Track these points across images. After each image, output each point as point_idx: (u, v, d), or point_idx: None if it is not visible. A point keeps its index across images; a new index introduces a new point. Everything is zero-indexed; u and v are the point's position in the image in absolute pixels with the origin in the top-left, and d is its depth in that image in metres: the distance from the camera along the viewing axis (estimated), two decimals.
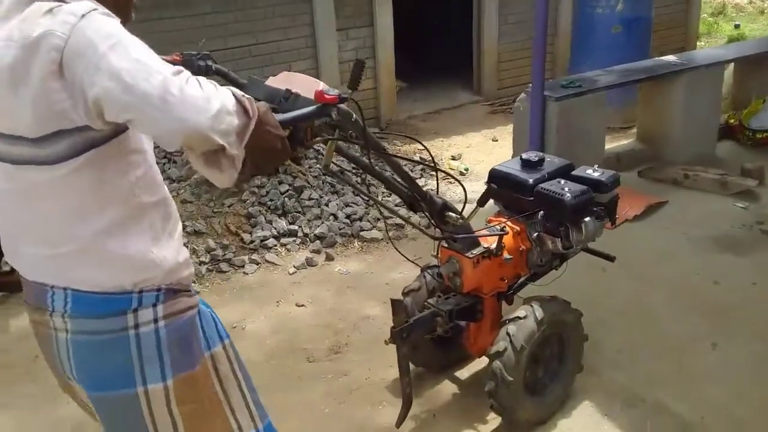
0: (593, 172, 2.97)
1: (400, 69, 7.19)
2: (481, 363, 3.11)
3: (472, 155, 6.31)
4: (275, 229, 4.64)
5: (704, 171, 5.34)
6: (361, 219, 4.83)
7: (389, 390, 3.22)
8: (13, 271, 1.81)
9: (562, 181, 2.89)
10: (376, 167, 2.69)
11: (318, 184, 5.02)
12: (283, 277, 4.31)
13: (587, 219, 2.88)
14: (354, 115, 2.07)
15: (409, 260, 2.91)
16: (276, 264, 4.42)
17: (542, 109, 4.93)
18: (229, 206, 4.74)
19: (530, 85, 4.98)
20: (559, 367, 3.03)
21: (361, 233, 4.71)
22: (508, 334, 2.75)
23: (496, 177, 3.06)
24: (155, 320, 1.61)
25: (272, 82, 2.22)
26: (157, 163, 5.11)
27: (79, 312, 1.58)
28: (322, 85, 2.04)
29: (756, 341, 3.49)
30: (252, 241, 4.55)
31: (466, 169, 5.89)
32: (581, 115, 5.10)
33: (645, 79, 5.63)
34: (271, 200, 4.80)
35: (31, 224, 1.56)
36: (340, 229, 4.71)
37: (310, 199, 4.88)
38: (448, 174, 3.04)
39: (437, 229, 2.78)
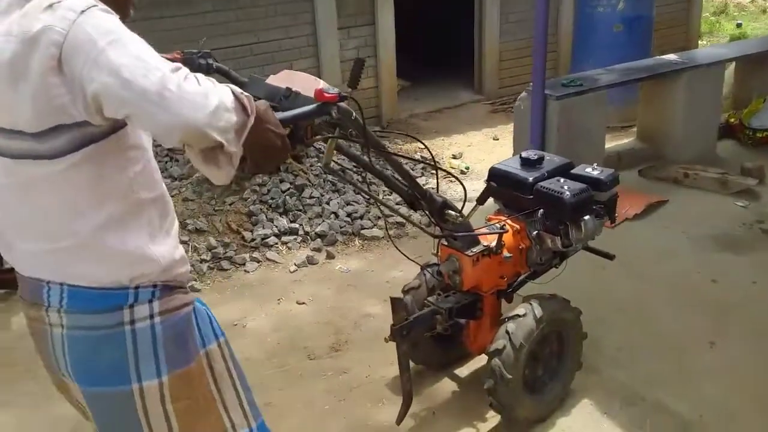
0: (592, 171, 2.98)
1: (401, 68, 7.20)
2: (480, 361, 3.12)
3: (473, 154, 6.32)
4: (276, 227, 4.65)
5: (704, 170, 5.34)
6: (362, 217, 4.84)
7: (389, 387, 3.23)
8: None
9: (562, 180, 2.90)
10: (377, 166, 2.70)
11: (319, 183, 5.03)
12: (284, 275, 4.33)
13: (587, 217, 2.89)
14: (354, 114, 2.08)
15: (409, 258, 2.92)
16: (277, 262, 4.44)
17: (543, 107, 4.94)
18: (230, 204, 4.76)
19: (531, 83, 4.99)
20: (559, 365, 3.04)
21: (362, 231, 4.72)
22: (507, 332, 2.76)
23: (495, 175, 3.06)
24: (151, 316, 1.62)
25: (273, 80, 2.23)
26: (159, 161, 5.13)
27: (75, 307, 1.58)
28: (322, 84, 2.06)
29: (755, 340, 3.49)
30: (253, 239, 4.56)
31: (467, 168, 5.90)
32: (582, 113, 5.11)
33: (646, 78, 5.63)
34: (272, 198, 4.81)
35: (29, 219, 1.57)
36: (341, 228, 4.72)
37: (311, 197, 4.90)
38: (448, 172, 3.05)
39: (437, 228, 2.80)
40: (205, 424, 1.74)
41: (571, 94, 5.03)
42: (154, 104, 1.37)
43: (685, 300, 3.86)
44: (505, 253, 2.88)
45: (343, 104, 2.01)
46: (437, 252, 2.94)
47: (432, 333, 2.99)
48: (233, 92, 1.50)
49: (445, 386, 3.24)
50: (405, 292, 3.09)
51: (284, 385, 3.30)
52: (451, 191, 5.11)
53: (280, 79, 2.22)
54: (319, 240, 4.62)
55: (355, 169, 4.58)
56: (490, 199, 3.11)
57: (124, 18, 1.50)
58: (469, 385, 3.22)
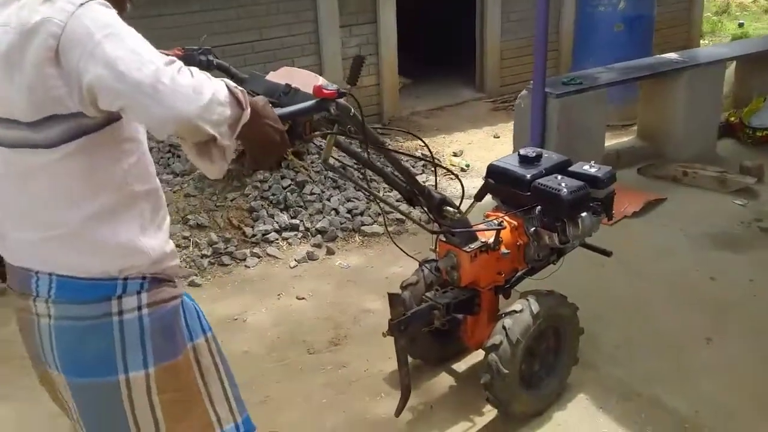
0: (590, 168, 3.01)
1: (403, 66, 7.22)
2: (478, 356, 3.15)
3: (474, 152, 6.35)
4: (277, 223, 4.68)
5: (703, 168, 5.37)
6: (362, 214, 4.87)
7: (387, 382, 3.26)
8: None
9: (559, 177, 2.92)
10: (377, 162, 2.73)
11: (320, 179, 5.06)
12: (284, 270, 4.36)
13: (584, 214, 2.91)
14: (352, 110, 2.11)
15: (408, 255, 2.95)
16: (277, 258, 4.47)
17: (543, 105, 4.96)
18: (231, 200, 4.79)
19: (532, 82, 5.01)
20: (555, 361, 3.07)
21: (362, 228, 4.75)
22: (504, 327, 2.78)
23: (494, 172, 3.09)
24: (139, 308, 1.62)
25: (272, 77, 2.26)
26: (162, 156, 5.15)
27: (63, 297, 1.59)
28: (321, 80, 2.09)
29: (753, 337, 3.52)
30: (254, 235, 4.59)
31: (468, 166, 5.93)
32: (582, 111, 5.13)
33: (646, 77, 5.66)
34: (273, 194, 4.84)
35: (22, 209, 1.58)
36: (341, 224, 4.75)
37: (311, 193, 4.92)
38: (446, 169, 3.08)
39: (436, 224, 2.83)
40: (191, 418, 1.74)
41: (571, 92, 5.06)
42: (147, 96, 1.39)
43: (683, 298, 3.89)
44: (503, 250, 2.91)
45: (341, 101, 2.04)
46: (435, 248, 2.97)
47: (430, 328, 3.01)
48: (228, 86, 1.51)
49: (443, 381, 3.27)
50: (403, 287, 3.11)
51: (284, 379, 3.34)
52: (451, 188, 5.13)
53: (279, 76, 2.25)
54: (319, 236, 4.65)
55: (356, 166, 4.61)
56: (489, 196, 3.14)
57: (121, 12, 1.52)
58: (467, 380, 3.25)
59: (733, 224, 4.73)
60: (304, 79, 2.20)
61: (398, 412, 2.87)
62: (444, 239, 2.89)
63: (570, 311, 3.03)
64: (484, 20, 7.66)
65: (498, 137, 6.74)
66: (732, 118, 6.25)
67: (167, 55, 1.51)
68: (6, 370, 3.39)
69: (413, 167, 5.48)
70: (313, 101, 1.98)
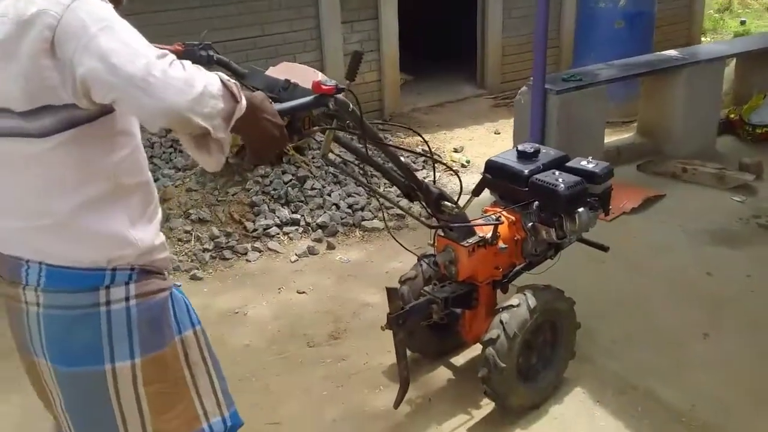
0: (587, 164, 3.03)
1: (404, 62, 7.24)
2: (476, 350, 3.16)
3: (474, 148, 6.37)
4: (278, 217, 4.71)
5: (702, 165, 5.38)
6: (362, 209, 4.89)
7: (386, 375, 3.29)
8: None
9: (557, 172, 2.95)
10: (379, 158, 2.76)
11: (321, 175, 5.09)
12: (285, 264, 4.39)
13: (581, 209, 2.94)
14: (351, 106, 2.13)
15: (407, 249, 2.98)
16: (278, 252, 4.50)
17: (543, 102, 4.98)
18: (233, 195, 4.82)
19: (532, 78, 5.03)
20: (552, 354, 3.09)
21: (363, 223, 4.78)
22: (501, 321, 2.81)
23: (492, 168, 3.12)
24: (127, 298, 1.64)
25: (272, 72, 2.28)
26: (164, 151, 5.15)
27: (52, 286, 1.61)
28: (320, 76, 2.11)
29: (748, 332, 3.54)
30: (255, 230, 4.62)
31: (468, 162, 5.95)
32: (581, 108, 5.15)
33: (645, 73, 5.67)
34: (274, 189, 4.87)
35: (13, 197, 1.59)
36: (341, 219, 4.78)
37: (312, 188, 4.95)
38: (444, 164, 3.11)
39: (435, 219, 2.85)
40: (177, 410, 1.76)
41: (571, 88, 5.08)
42: (139, 89, 1.40)
43: (681, 293, 3.91)
44: (501, 244, 2.93)
45: (340, 96, 2.07)
46: (434, 243, 3.00)
47: (428, 322, 3.03)
48: (221, 79, 1.52)
49: (441, 374, 3.30)
50: (402, 282, 3.15)
51: (284, 372, 3.37)
52: (451, 184, 5.15)
53: (279, 71, 2.27)
54: (320, 231, 4.68)
55: (356, 161, 4.63)
56: (488, 192, 3.17)
57: (117, 6, 1.54)
58: (464, 373, 3.28)
59: (731, 221, 4.75)
60: (303, 75, 2.21)
61: (397, 404, 2.90)
62: (442, 234, 2.92)
63: (567, 305, 3.05)
64: (485, 17, 7.67)
65: (499, 133, 6.76)
66: (732, 115, 6.27)
67: (168, 50, 1.54)
68: (9, 365, 3.36)
69: (413, 163, 5.51)
70: (312, 97, 2.00)
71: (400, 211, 4.70)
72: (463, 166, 5.88)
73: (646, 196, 5.00)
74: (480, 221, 2.96)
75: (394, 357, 2.91)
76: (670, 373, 3.27)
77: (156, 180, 4.91)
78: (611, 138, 5.98)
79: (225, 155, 1.59)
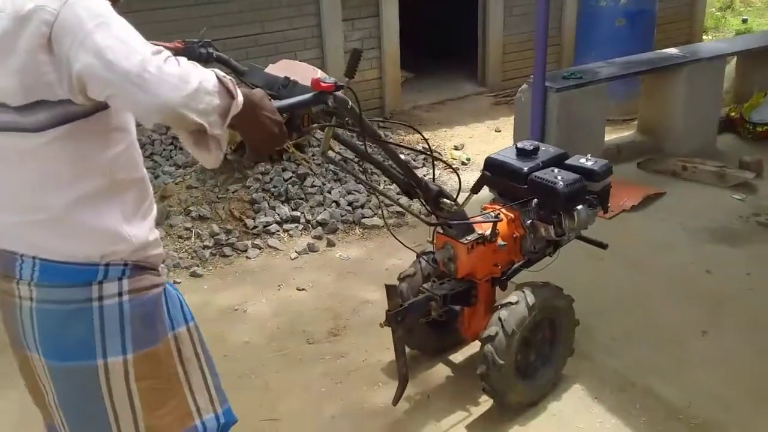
0: (586, 162, 3.04)
1: (405, 60, 7.24)
2: (475, 347, 3.17)
3: (475, 146, 6.37)
4: (278, 215, 4.72)
5: (702, 163, 5.39)
6: (362, 206, 4.90)
7: (385, 372, 3.30)
8: None
9: (556, 170, 2.95)
10: (379, 156, 2.76)
11: (321, 172, 5.10)
12: (284, 261, 4.40)
13: (579, 207, 2.94)
14: (350, 103, 2.14)
15: (406, 246, 2.98)
16: (278, 249, 4.51)
17: (543, 99, 4.99)
18: (233, 192, 4.83)
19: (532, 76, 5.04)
20: (551, 351, 3.10)
21: (363, 220, 4.78)
22: (499, 319, 2.82)
23: (491, 165, 3.12)
24: (119, 294, 1.65)
25: (272, 69, 2.29)
26: (164, 149, 5.15)
27: (45, 281, 1.62)
28: (319, 73, 2.13)
29: (748, 329, 3.55)
30: (255, 227, 4.63)
31: (468, 159, 5.95)
32: (581, 105, 5.16)
33: (646, 71, 5.68)
34: (274, 187, 4.88)
35: (8, 191, 1.60)
36: (341, 216, 4.79)
37: (313, 186, 4.96)
38: (443, 162, 3.11)
39: (434, 216, 2.86)
40: (169, 406, 1.76)
41: (571, 86, 5.09)
42: (134, 85, 1.41)
43: (680, 291, 3.92)
44: (500, 242, 2.94)
45: (339, 93, 2.07)
46: (433, 240, 3.00)
47: (427, 319, 3.05)
48: (217, 75, 1.53)
49: (440, 371, 3.30)
50: (401, 279, 3.15)
51: (283, 368, 3.38)
52: (452, 182, 5.16)
53: (278, 69, 2.28)
54: (320, 228, 4.69)
55: (356, 159, 4.64)
56: (488, 189, 3.17)
57: (115, 3, 1.54)
58: (463, 370, 3.28)
59: (731, 219, 4.75)
60: (303, 72, 2.23)
61: (395, 401, 2.91)
62: (441, 231, 2.93)
63: (565, 303, 3.06)
64: (486, 14, 7.67)
65: (499, 131, 6.76)
66: (732, 114, 6.27)
67: (167, 47, 1.54)
68: (6, 361, 3.37)
69: (414, 161, 5.52)
70: (311, 94, 2.01)
71: (400, 209, 4.71)
72: (463, 163, 5.88)
73: (646, 194, 5.00)
74: (479, 218, 2.96)
75: (393, 354, 2.92)
76: (669, 370, 3.27)
77: (156, 177, 4.94)
78: (611, 136, 5.99)
79: (223, 152, 1.59)
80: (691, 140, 5.75)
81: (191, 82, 1.46)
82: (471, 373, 3.00)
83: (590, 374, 3.23)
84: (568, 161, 3.07)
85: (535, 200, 2.96)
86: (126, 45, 1.43)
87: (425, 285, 3.04)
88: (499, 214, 3.00)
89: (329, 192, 4.97)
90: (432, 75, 8.17)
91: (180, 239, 4.48)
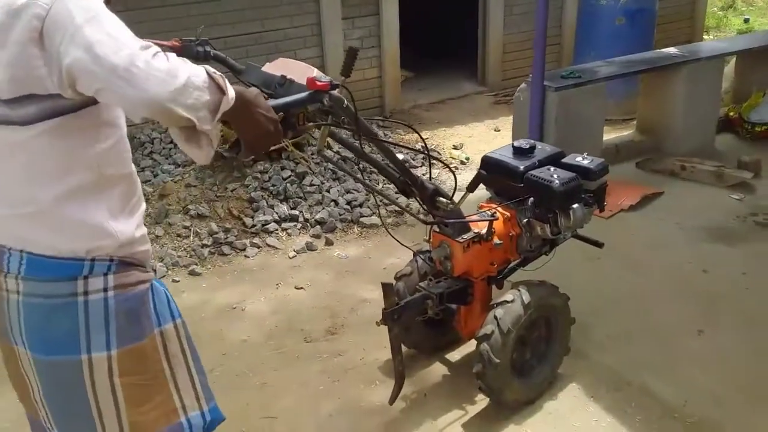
0: (582, 160, 3.05)
1: (405, 59, 7.24)
2: (471, 345, 3.17)
3: (474, 145, 6.37)
4: (277, 213, 4.73)
5: (701, 163, 5.40)
6: (361, 205, 4.91)
7: (382, 370, 3.32)
8: None
9: (552, 169, 2.96)
10: (377, 155, 2.77)
11: (320, 171, 5.11)
12: (283, 260, 4.41)
13: (575, 205, 2.95)
14: (345, 102, 2.15)
15: (404, 245, 3.00)
16: (277, 248, 4.52)
17: (542, 99, 4.99)
18: (232, 191, 4.84)
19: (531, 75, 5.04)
20: (547, 350, 3.11)
21: (361, 219, 4.80)
22: (495, 317, 2.83)
23: (487, 163, 3.13)
24: (105, 289, 1.65)
25: (269, 68, 2.30)
26: (163, 147, 5.16)
27: (32, 274, 1.62)
28: (315, 72, 2.13)
29: (743, 328, 3.56)
30: (254, 225, 4.64)
31: (467, 159, 5.96)
32: (580, 105, 5.16)
33: (645, 71, 5.68)
34: (273, 185, 4.89)
35: None
36: (340, 215, 4.80)
37: (311, 185, 4.97)
38: (440, 161, 3.12)
39: (431, 215, 2.87)
40: (154, 402, 1.76)
41: (570, 85, 5.09)
42: (122, 79, 1.42)
43: (677, 290, 3.93)
44: (496, 240, 2.95)
45: (335, 92, 2.08)
46: (429, 238, 3.01)
47: (423, 317, 3.06)
48: (207, 71, 1.54)
49: (436, 369, 3.32)
50: (397, 278, 3.16)
51: (281, 366, 3.39)
52: (451, 181, 5.17)
53: (275, 67, 2.28)
54: (318, 227, 4.70)
55: (354, 158, 4.64)
56: (484, 188, 3.18)
57: (108, 2, 1.55)
58: (460, 369, 3.30)
59: (728, 218, 4.76)
60: (299, 71, 2.23)
61: (392, 399, 2.92)
62: (437, 230, 2.94)
63: (561, 301, 3.07)
64: (486, 13, 7.67)
65: (499, 130, 6.76)
66: (731, 113, 6.27)
67: (165, 45, 1.55)
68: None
69: (412, 160, 5.53)
70: (306, 93, 2.02)
71: (398, 208, 4.72)
72: (462, 163, 5.89)
73: (644, 194, 5.01)
74: (475, 217, 2.97)
75: (390, 353, 2.92)
76: (665, 369, 3.28)
77: (156, 175, 4.95)
78: (610, 135, 5.99)
79: (214, 148, 1.60)
80: (690, 140, 5.75)
81: (179, 77, 1.47)
82: (467, 372, 3.01)
83: (586, 373, 3.24)
84: (565, 160, 3.08)
85: (532, 199, 2.97)
86: (115, 40, 1.44)
87: (422, 283, 3.04)
88: (495, 212, 3.02)
89: (328, 191, 4.98)
90: (432, 74, 8.18)
91: (179, 238, 4.49)
